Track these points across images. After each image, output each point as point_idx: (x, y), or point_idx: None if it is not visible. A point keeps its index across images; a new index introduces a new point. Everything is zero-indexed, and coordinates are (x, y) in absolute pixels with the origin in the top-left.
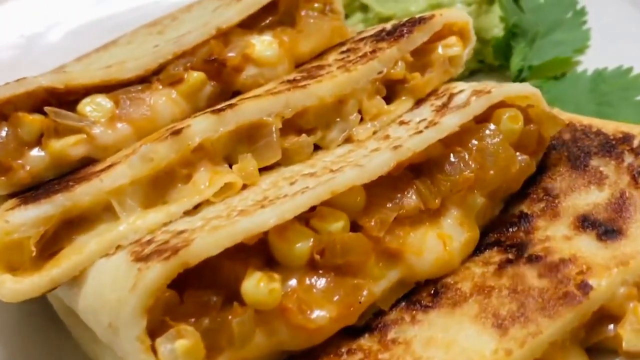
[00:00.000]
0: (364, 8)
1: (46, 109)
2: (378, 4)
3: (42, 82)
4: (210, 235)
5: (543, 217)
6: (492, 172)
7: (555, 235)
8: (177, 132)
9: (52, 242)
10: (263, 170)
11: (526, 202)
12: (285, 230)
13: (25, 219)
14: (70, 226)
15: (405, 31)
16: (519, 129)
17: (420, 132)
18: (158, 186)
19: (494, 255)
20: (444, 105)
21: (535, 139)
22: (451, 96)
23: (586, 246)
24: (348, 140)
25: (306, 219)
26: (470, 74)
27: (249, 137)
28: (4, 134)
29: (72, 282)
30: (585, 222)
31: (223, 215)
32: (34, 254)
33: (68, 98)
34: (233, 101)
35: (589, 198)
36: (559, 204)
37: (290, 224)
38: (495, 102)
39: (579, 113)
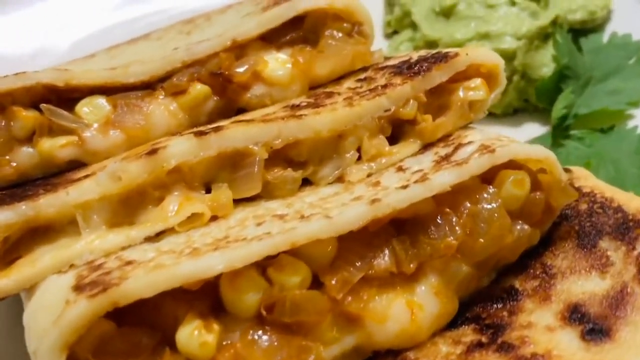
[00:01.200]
0: (414, 26)
1: (42, 106)
2: (427, 25)
3: (41, 79)
4: (146, 276)
5: (533, 298)
6: (482, 240)
7: (538, 323)
8: (152, 152)
9: (13, 249)
10: (242, 200)
11: (520, 276)
12: (237, 277)
13: None
14: (34, 234)
15: (423, 68)
16: (523, 196)
17: (407, 186)
18: (128, 205)
19: (468, 334)
20: (447, 157)
21: (541, 208)
22: (458, 147)
23: (566, 343)
24: (340, 179)
25: (264, 266)
26: (513, 112)
27: (231, 164)
28: None
29: (26, 292)
30: (574, 314)
31: (176, 250)
32: None
33: (69, 95)
34: (223, 122)
35: (587, 285)
36: (553, 286)
37: (245, 270)
38: (499, 163)
39: (618, 175)
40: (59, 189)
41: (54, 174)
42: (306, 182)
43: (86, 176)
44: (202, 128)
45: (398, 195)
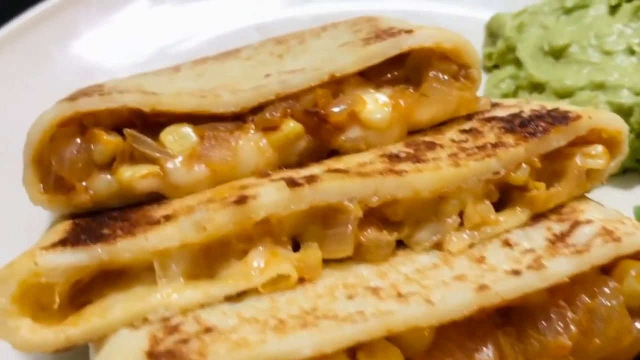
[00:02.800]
0: (517, 63)
1: (125, 131)
2: (533, 64)
3: (127, 102)
4: (227, 355)
5: None
6: (597, 341)
7: None
8: (241, 201)
9: (84, 291)
10: (329, 260)
11: None
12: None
13: (57, 265)
14: (107, 278)
15: (540, 128)
16: None
17: (519, 272)
18: (209, 256)
19: None
20: (562, 237)
21: None
22: (575, 225)
23: None
24: (437, 246)
25: (354, 348)
26: (623, 172)
27: (323, 219)
28: (76, 149)
29: (95, 343)
30: None
31: (259, 320)
32: (57, 304)
33: (155, 119)
34: (315, 169)
35: None
36: None
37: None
38: (624, 254)
39: None
40: (138, 232)
41: (130, 204)
42: (399, 243)
43: (167, 217)
44: (293, 175)
45: (509, 283)
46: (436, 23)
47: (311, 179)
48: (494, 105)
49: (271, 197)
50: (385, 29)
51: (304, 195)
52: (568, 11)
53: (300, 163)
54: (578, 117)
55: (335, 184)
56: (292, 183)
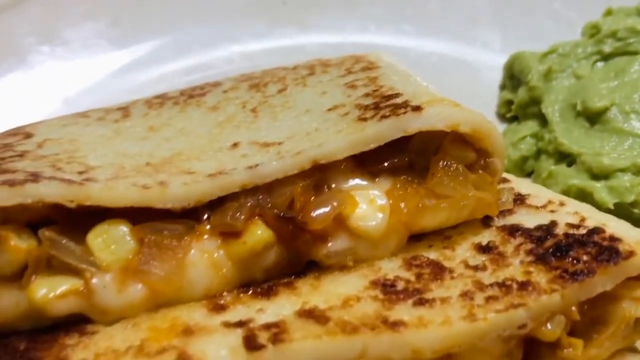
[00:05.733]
0: (542, 119)
1: (41, 233)
2: (563, 127)
3: (45, 196)
4: None
5: None
6: None
7: None
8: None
9: None
10: None
11: None
12: None
13: None
14: None
15: (581, 266)
16: None
17: None
18: None
19: None
20: None
21: None
22: None
23: None
24: None
25: None
26: None
27: None
28: None
29: None
30: None
31: None
32: None
33: (82, 211)
34: (284, 312)
35: None
36: None
37: None
38: None
39: None
40: None
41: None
42: None
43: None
44: (254, 317)
45: None
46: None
47: (277, 335)
48: (517, 200)
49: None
50: (387, 94)
51: (268, 358)
52: (606, 57)
53: (267, 284)
54: (631, 253)
55: (309, 347)
56: (252, 343)
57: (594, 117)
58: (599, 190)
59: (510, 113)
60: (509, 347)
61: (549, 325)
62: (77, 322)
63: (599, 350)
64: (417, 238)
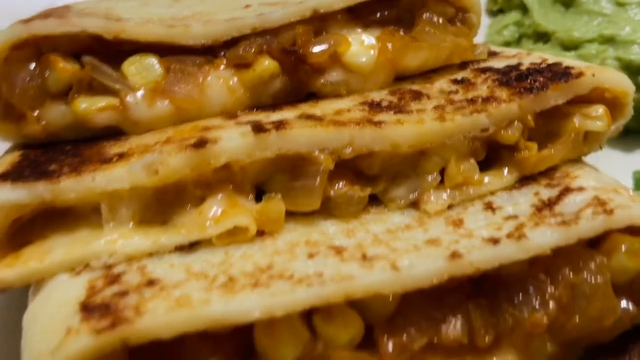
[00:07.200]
0: (523, 9)
1: (84, 58)
2: (541, 12)
3: (87, 27)
4: (166, 315)
5: None
6: (577, 319)
7: None
8: (199, 144)
9: (25, 230)
10: (294, 213)
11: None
12: (275, 323)
13: None
14: (50, 218)
15: (537, 84)
16: (636, 271)
17: (497, 241)
18: (162, 201)
19: None
20: (550, 204)
21: None
22: (565, 192)
23: None
24: (413, 205)
25: (309, 312)
26: (625, 134)
27: (291, 168)
28: (28, 76)
29: (34, 286)
30: None
31: (208, 275)
32: None
33: (118, 48)
34: (287, 113)
35: None
36: None
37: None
38: (616, 228)
39: None
40: (86, 171)
41: (86, 138)
42: (373, 199)
43: (120, 156)
44: (263, 119)
45: (485, 252)
46: None
47: (280, 125)
48: (492, 54)
49: (233, 143)
50: None
51: (270, 142)
52: None
53: (274, 105)
54: (580, 74)
55: (305, 132)
56: (259, 128)
57: (568, 2)
58: (569, 58)
59: (496, 6)
60: (473, 146)
61: (508, 131)
62: (113, 135)
63: (549, 152)
64: (402, 79)
